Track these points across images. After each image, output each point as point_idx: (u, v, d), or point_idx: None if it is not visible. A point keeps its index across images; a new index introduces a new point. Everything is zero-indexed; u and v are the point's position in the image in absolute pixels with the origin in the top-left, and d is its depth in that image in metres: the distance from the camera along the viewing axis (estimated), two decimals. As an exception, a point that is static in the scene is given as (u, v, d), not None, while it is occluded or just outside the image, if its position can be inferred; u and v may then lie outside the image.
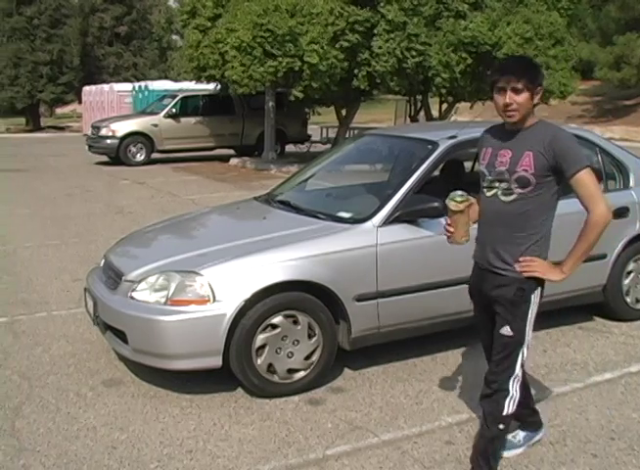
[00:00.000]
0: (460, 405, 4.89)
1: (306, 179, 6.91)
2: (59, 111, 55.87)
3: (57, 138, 34.98)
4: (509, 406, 3.81)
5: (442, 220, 5.23)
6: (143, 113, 23.46)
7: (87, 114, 33.25)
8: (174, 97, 22.20)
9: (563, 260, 3.67)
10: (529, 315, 3.78)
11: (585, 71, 27.70)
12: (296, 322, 4.93)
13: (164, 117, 21.46)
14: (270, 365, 4.93)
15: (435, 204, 5.12)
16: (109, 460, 4.23)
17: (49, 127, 42.10)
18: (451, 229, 3.94)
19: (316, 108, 25.48)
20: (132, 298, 5.01)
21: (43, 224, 11.63)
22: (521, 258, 3.70)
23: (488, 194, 3.81)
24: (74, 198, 14.59)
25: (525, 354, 3.83)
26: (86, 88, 34.41)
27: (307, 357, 5.02)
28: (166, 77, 40.88)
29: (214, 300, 4.75)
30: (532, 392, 4.36)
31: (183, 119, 21.57)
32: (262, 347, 4.88)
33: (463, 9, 17.25)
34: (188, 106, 22.09)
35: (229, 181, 17.27)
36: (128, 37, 51.09)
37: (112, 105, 30.37)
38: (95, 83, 36.37)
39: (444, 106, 20.88)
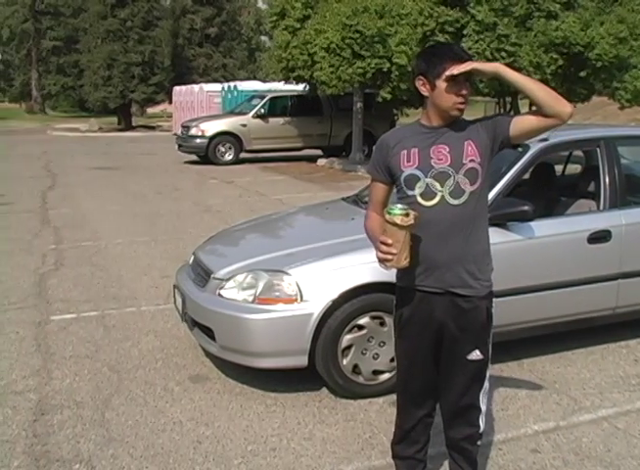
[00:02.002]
0: (547, 413, 4.81)
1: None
2: (149, 110, 57.04)
3: (147, 137, 35.70)
4: (482, 422, 3.55)
5: (532, 224, 5.21)
6: (232, 113, 23.73)
7: (177, 113, 33.84)
8: (263, 97, 22.40)
9: None
10: (491, 333, 3.47)
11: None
12: (382, 324, 4.92)
13: (253, 117, 21.66)
14: (355, 366, 4.94)
15: (526, 207, 5.04)
16: (194, 454, 4.30)
17: (140, 127, 42.97)
18: (394, 251, 3.12)
19: (404, 109, 25.34)
20: (220, 295, 5.09)
21: (133, 221, 11.88)
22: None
23: (429, 203, 3.23)
24: (164, 196, 14.86)
25: (489, 370, 3.54)
26: (176, 88, 35.00)
27: (393, 359, 4.97)
28: (255, 78, 41.31)
29: (302, 299, 4.78)
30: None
31: (271, 120, 21.73)
32: (348, 347, 4.89)
33: (554, 9, 16.91)
34: (276, 106, 22.25)
35: (316, 181, 17.34)
36: (218, 38, 51.84)
37: (201, 105, 30.82)
38: (185, 84, 36.97)
39: (534, 108, 20.54)
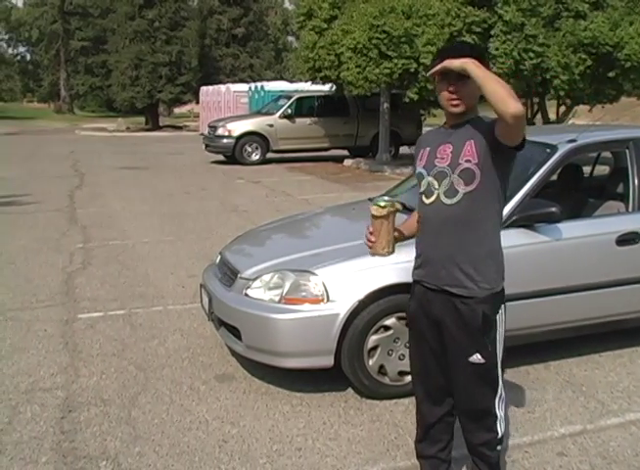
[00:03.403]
0: (574, 416, 4.77)
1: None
2: (177, 110, 57.39)
3: (174, 137, 35.90)
4: (501, 428, 3.50)
5: (560, 226, 5.18)
6: (259, 113, 23.79)
7: (204, 113, 34.00)
8: (290, 98, 22.44)
9: None
10: (498, 338, 3.41)
11: None
12: (408, 325, 4.91)
13: (280, 117, 21.70)
14: (381, 367, 4.93)
15: (553, 209, 5.02)
16: (219, 453, 4.31)
17: (167, 126, 43.23)
18: (373, 238, 3.45)
19: (431, 109, 25.26)
20: (247, 295, 5.10)
21: (161, 220, 11.94)
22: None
23: (428, 201, 3.37)
24: (191, 195, 14.92)
25: (502, 376, 3.49)
26: (203, 88, 35.17)
27: (419, 360, 5.00)
28: (282, 78, 41.34)
29: (328, 300, 4.79)
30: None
31: (298, 120, 21.77)
32: (374, 348, 4.89)
33: (583, 9, 16.81)
34: (303, 106, 22.28)
35: (343, 182, 17.34)
36: (245, 39, 51.92)
37: (228, 105, 30.94)
38: (212, 84, 37.11)
39: (562, 109, 20.41)
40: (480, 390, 3.44)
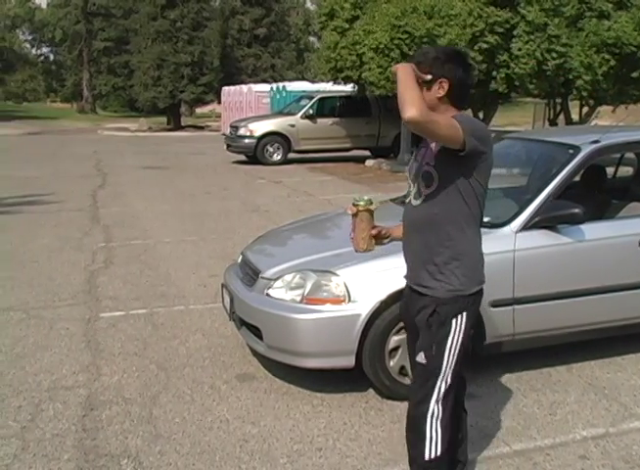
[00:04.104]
0: (596, 419, 4.74)
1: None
2: (198, 110, 57.52)
3: (196, 137, 36.00)
4: (430, 451, 3.33)
5: (583, 227, 5.15)
6: (280, 113, 23.82)
7: (226, 113, 34.06)
8: (311, 98, 22.44)
9: None
10: (449, 344, 3.30)
11: None
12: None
13: (301, 117, 21.70)
14: (402, 368, 4.91)
15: (576, 210, 4.99)
16: (240, 453, 4.32)
17: (189, 126, 43.33)
18: (352, 234, 3.61)
19: (452, 110, 25.22)
20: (268, 295, 5.11)
21: (182, 220, 11.97)
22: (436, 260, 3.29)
23: (406, 203, 3.51)
24: (212, 195, 14.96)
25: (442, 390, 3.33)
26: (225, 89, 35.24)
27: (440, 362, 4.98)
28: (303, 78, 41.40)
29: (349, 300, 4.79)
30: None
31: (320, 120, 21.76)
32: (395, 349, 4.87)
33: (607, 8, 16.68)
34: (325, 107, 22.28)
35: (364, 182, 17.30)
36: (267, 39, 52.03)
37: (250, 105, 30.98)
38: (234, 84, 37.20)
39: (585, 109, 20.28)
40: (417, 393, 3.41)
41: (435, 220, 3.29)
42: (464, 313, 3.32)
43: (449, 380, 3.34)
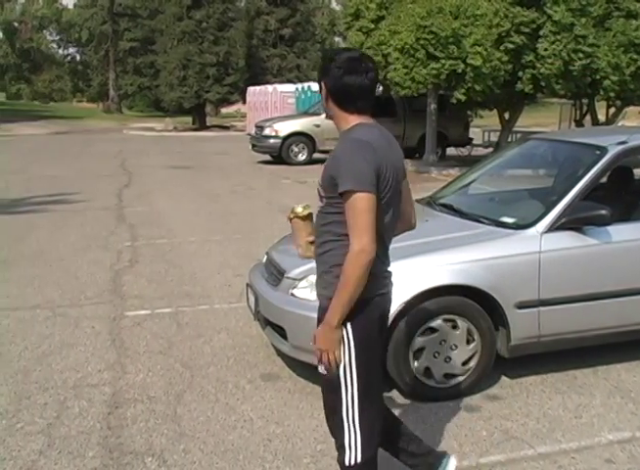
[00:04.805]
0: (622, 423, 4.71)
1: (469, 183, 6.83)
2: (224, 110, 57.75)
3: (221, 137, 36.12)
4: (350, 460, 3.24)
5: (609, 229, 5.11)
6: (305, 113, 23.86)
7: (251, 113, 34.16)
8: (336, 98, 22.36)
9: None
10: (343, 357, 3.15)
11: None
12: (455, 327, 4.89)
13: (327, 117, 21.55)
14: (427, 369, 4.91)
15: (603, 211, 4.97)
16: (264, 452, 4.32)
17: (214, 126, 43.51)
18: (293, 241, 3.57)
19: (478, 111, 25.13)
20: (293, 295, 5.11)
21: (207, 220, 12.01)
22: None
23: None
24: (237, 195, 14.99)
25: (352, 405, 3.19)
26: (250, 89, 35.33)
27: (465, 363, 4.97)
28: (329, 79, 41.31)
29: (374, 300, 4.76)
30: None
31: (345, 121, 21.67)
32: (420, 350, 4.87)
33: (635, 8, 16.59)
34: (350, 107, 22.19)
35: (388, 183, 17.21)
36: (292, 39, 52.07)
37: (275, 105, 31.06)
38: (259, 84, 37.29)
39: (612, 110, 20.15)
40: (325, 405, 3.36)
41: (320, 232, 3.26)
42: (348, 325, 3.13)
43: (354, 397, 3.20)
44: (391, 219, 3.26)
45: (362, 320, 3.14)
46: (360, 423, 3.22)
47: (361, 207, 2.95)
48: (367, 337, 3.18)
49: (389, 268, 3.37)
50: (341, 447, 3.28)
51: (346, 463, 3.26)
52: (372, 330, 3.21)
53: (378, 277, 3.19)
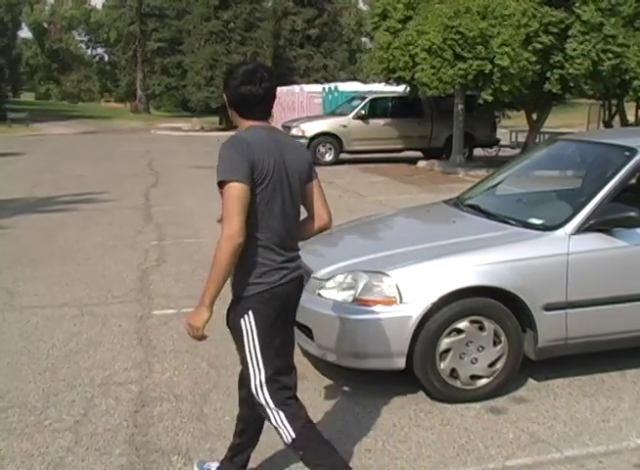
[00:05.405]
0: (651, 426, 4.66)
1: (497, 184, 6.79)
2: (251, 110, 57.69)
3: (248, 137, 36.10)
4: (287, 435, 3.50)
5: (639, 231, 5.06)
6: (332, 114, 23.82)
7: (278, 114, 34.10)
8: (363, 98, 22.39)
9: None
10: (246, 345, 3.49)
11: None
12: (481, 328, 4.86)
13: (353, 118, 21.66)
14: (453, 370, 4.88)
15: (632, 213, 4.93)
16: (289, 452, 4.28)
17: (241, 126, 43.52)
18: None
19: (506, 111, 24.98)
20: (320, 295, 5.10)
21: (234, 220, 11.99)
22: None
23: None
24: (264, 195, 14.98)
25: (258, 386, 3.51)
26: (277, 89, 35.11)
27: (491, 365, 4.94)
28: (355, 79, 41.36)
29: (401, 301, 4.76)
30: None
31: (372, 121, 21.70)
32: (446, 351, 4.84)
33: (666, 7, 16.44)
34: (377, 107, 22.21)
35: (416, 183, 17.22)
36: (319, 40, 52.05)
37: (302, 105, 31.04)
38: (286, 84, 37.26)
39: (640, 112, 19.98)
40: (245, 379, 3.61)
41: None
42: (251, 313, 3.46)
43: (261, 381, 3.50)
44: (285, 213, 3.49)
45: (262, 310, 3.45)
46: (276, 405, 3.52)
47: (231, 194, 3.26)
48: (270, 324, 3.48)
49: (295, 255, 3.68)
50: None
51: (287, 440, 3.52)
52: (275, 318, 3.49)
53: (274, 269, 3.47)
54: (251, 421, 3.88)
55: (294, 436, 3.48)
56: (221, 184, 3.31)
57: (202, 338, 3.46)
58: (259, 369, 3.50)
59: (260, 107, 3.52)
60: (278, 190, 3.41)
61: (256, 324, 3.46)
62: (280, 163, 3.41)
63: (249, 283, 3.45)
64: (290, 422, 3.49)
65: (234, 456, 3.95)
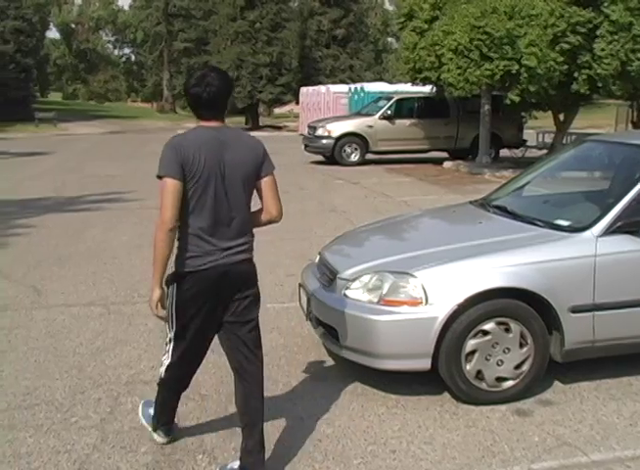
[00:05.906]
0: (679, 430, 4.61)
1: (523, 185, 6.76)
2: (276, 110, 57.96)
3: (274, 137, 36.19)
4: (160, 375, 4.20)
5: (668, 233, 5.01)
6: (358, 114, 23.83)
7: (304, 114, 34.21)
8: (389, 99, 22.35)
9: None
10: (168, 307, 3.93)
11: None
12: (507, 330, 4.84)
13: (379, 118, 21.63)
14: (479, 372, 4.86)
15: (662, 215, 4.88)
16: (314, 452, 4.33)
17: (267, 126, 43.72)
18: None
19: (533, 112, 24.84)
20: (346, 296, 5.10)
21: (259, 220, 12.01)
22: None
23: None
24: (290, 195, 14.98)
25: (171, 347, 4.07)
26: (303, 89, 35.40)
27: (517, 367, 4.92)
28: (381, 79, 41.39)
29: (427, 302, 4.75)
30: None
31: (398, 121, 21.66)
32: (472, 352, 4.82)
33: (696, 6, 16.21)
34: (403, 108, 22.18)
35: (442, 184, 17.18)
36: (345, 40, 52.00)
37: (328, 106, 31.07)
38: (312, 84, 37.37)
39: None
40: None
41: None
42: (174, 285, 3.93)
43: (172, 340, 4.08)
44: (217, 206, 3.84)
45: (182, 288, 3.89)
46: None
47: (164, 188, 3.74)
48: (187, 302, 3.91)
49: (230, 245, 4.01)
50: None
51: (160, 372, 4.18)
52: (193, 298, 3.89)
53: (199, 255, 3.86)
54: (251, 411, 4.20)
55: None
56: (160, 179, 3.77)
57: (162, 317, 3.94)
58: (171, 344, 4.09)
59: (207, 108, 3.85)
60: (211, 185, 3.77)
61: (177, 295, 3.90)
62: (216, 160, 3.78)
63: (179, 263, 3.90)
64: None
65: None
